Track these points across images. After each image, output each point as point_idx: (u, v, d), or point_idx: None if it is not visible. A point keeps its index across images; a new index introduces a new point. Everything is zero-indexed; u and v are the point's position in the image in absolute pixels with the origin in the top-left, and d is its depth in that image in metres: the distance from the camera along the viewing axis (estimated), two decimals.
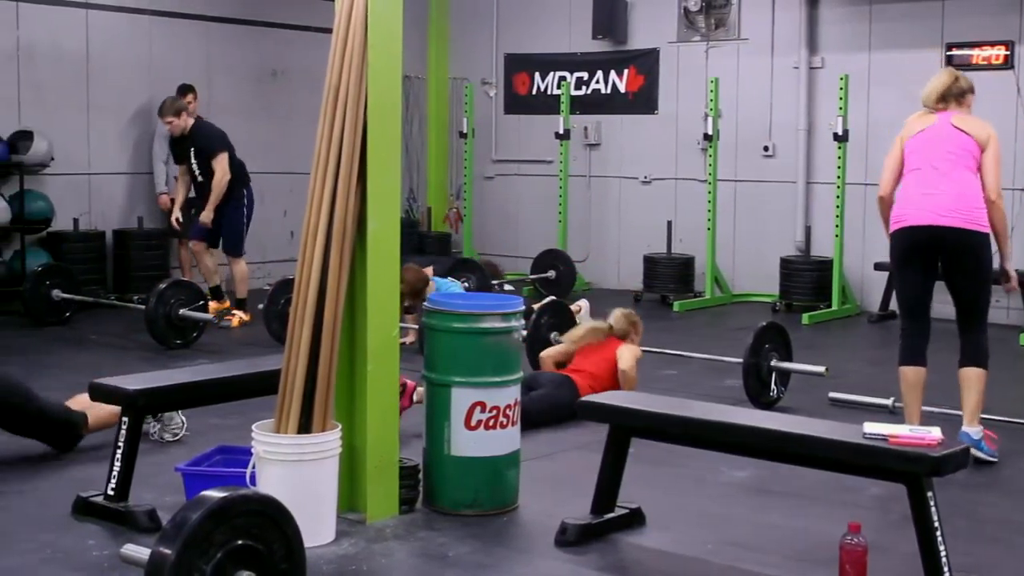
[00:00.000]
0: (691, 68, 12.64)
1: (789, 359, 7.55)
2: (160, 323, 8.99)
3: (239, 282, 10.35)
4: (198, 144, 10.02)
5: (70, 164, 11.15)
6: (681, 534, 5.00)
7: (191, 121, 10.09)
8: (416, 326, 8.52)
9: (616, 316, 7.57)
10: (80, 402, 5.99)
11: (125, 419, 5.00)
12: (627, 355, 7.25)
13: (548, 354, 7.56)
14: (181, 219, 10.36)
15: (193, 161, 10.06)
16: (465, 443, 5.08)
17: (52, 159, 10.90)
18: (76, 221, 11.13)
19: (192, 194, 10.33)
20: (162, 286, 9.15)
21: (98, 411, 5.95)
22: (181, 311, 9.03)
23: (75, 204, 11.24)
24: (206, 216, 9.97)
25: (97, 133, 11.46)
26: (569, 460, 6.19)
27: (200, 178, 10.07)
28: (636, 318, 7.63)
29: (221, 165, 9.93)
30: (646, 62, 12.98)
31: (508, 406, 5.14)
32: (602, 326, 7.53)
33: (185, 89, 11.02)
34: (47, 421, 5.87)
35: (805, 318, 10.83)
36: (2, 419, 5.77)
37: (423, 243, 13.71)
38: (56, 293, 10.11)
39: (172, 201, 10.63)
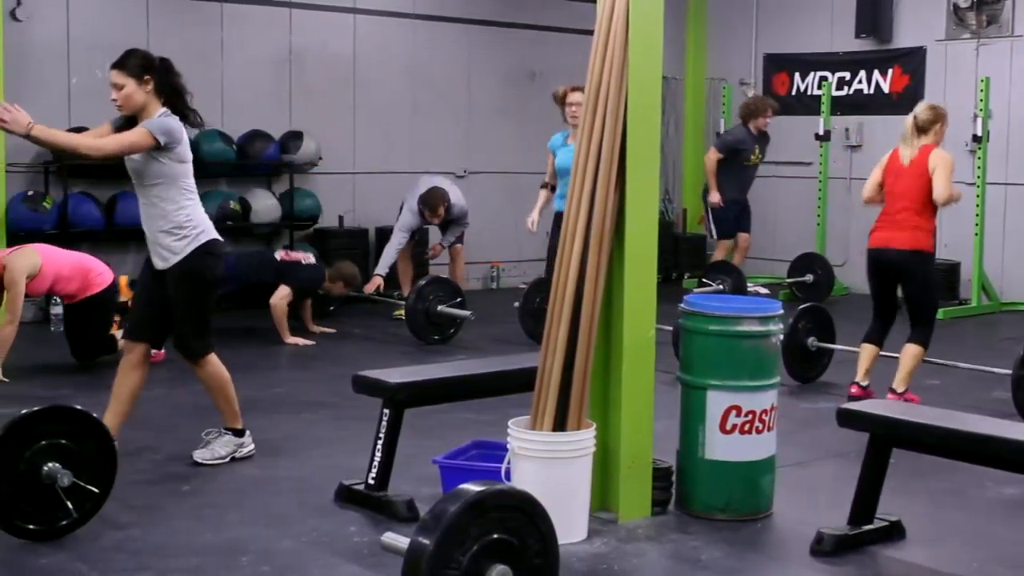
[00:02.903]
0: (960, 67, 12.17)
1: None
2: (419, 319, 9.23)
3: None
4: None
5: (336, 163, 11.57)
6: (943, 550, 4.81)
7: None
8: None
9: (920, 107, 7.38)
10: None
11: (386, 411, 5.15)
12: (940, 177, 7.13)
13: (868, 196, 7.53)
14: None
15: None
16: (720, 447, 5.03)
17: (320, 159, 11.33)
18: (341, 219, 11.54)
19: None
20: (422, 283, 9.40)
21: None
22: (440, 307, 9.25)
23: (340, 202, 11.65)
24: None
25: (362, 133, 11.86)
26: (826, 468, 6.05)
27: None
28: (942, 108, 7.37)
29: None
30: (912, 61, 12.57)
31: (765, 411, 5.06)
32: (906, 124, 7.33)
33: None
34: None
35: None
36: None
37: (677, 244, 13.65)
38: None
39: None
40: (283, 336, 9.12)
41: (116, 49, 5.65)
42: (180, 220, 5.55)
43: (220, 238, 5.76)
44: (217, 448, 5.86)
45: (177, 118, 5.54)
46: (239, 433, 5.92)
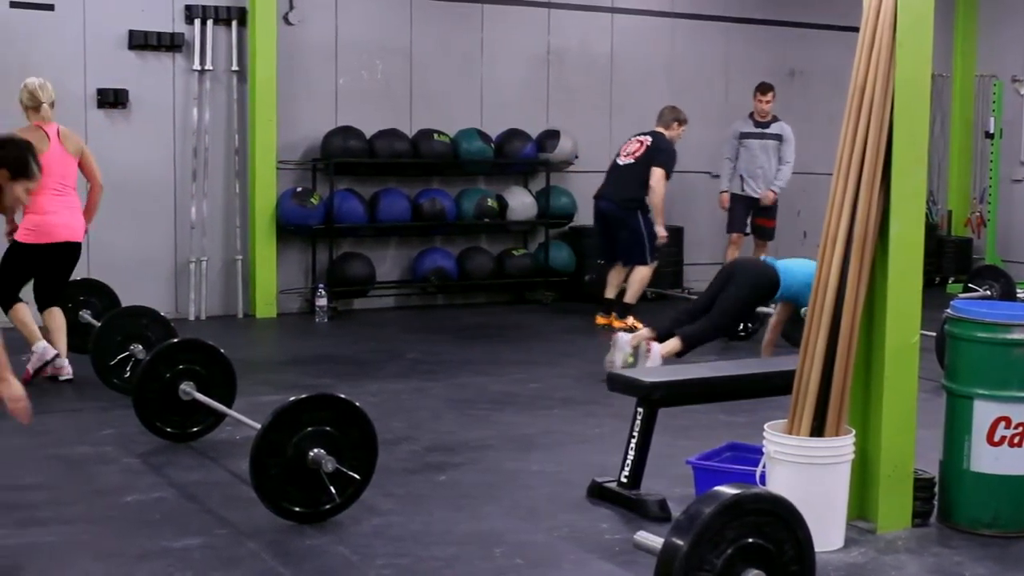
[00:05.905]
0: None
1: None
2: None
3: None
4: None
5: (592, 162, 11.62)
6: None
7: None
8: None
9: None
10: None
11: (640, 410, 5.15)
12: None
13: None
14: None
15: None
16: (987, 459, 4.82)
17: (576, 157, 11.41)
18: None
19: None
20: None
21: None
22: None
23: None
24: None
25: (618, 132, 11.86)
26: None
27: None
28: None
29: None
30: None
31: None
32: None
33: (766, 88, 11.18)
34: None
35: None
36: None
37: (942, 247, 13.20)
38: None
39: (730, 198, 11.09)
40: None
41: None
42: None
43: None
44: None
45: None
46: None
